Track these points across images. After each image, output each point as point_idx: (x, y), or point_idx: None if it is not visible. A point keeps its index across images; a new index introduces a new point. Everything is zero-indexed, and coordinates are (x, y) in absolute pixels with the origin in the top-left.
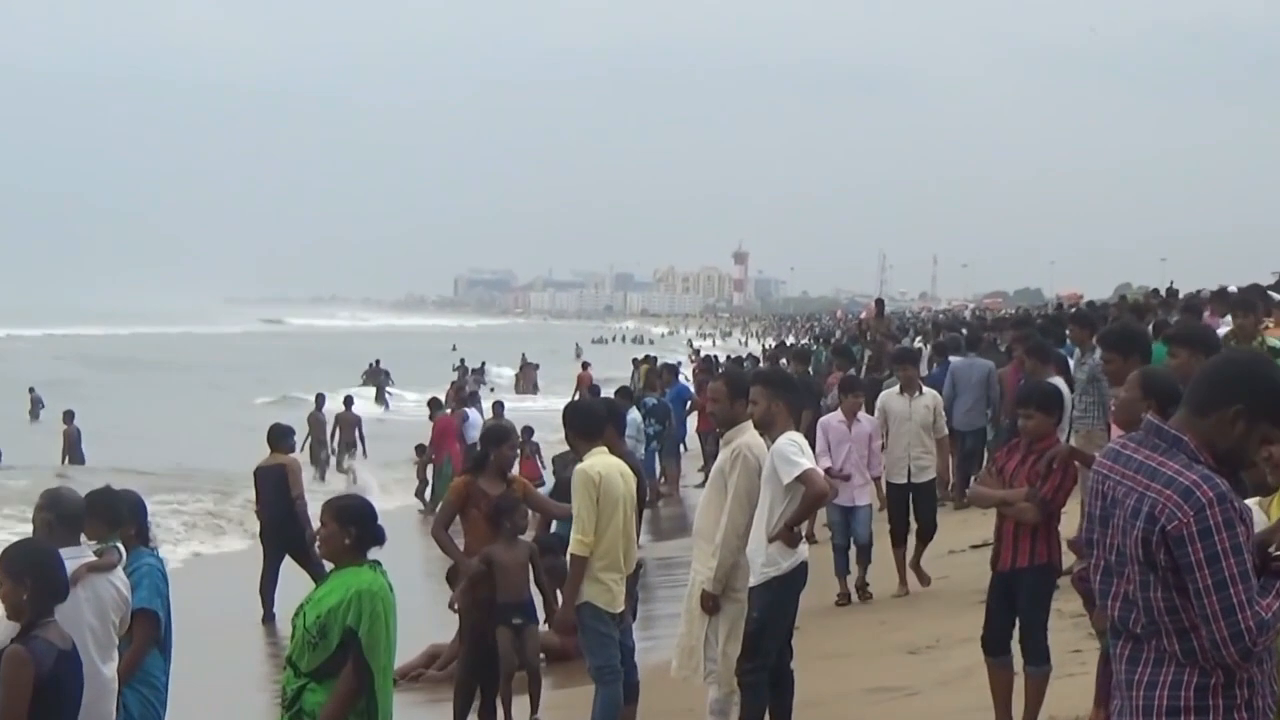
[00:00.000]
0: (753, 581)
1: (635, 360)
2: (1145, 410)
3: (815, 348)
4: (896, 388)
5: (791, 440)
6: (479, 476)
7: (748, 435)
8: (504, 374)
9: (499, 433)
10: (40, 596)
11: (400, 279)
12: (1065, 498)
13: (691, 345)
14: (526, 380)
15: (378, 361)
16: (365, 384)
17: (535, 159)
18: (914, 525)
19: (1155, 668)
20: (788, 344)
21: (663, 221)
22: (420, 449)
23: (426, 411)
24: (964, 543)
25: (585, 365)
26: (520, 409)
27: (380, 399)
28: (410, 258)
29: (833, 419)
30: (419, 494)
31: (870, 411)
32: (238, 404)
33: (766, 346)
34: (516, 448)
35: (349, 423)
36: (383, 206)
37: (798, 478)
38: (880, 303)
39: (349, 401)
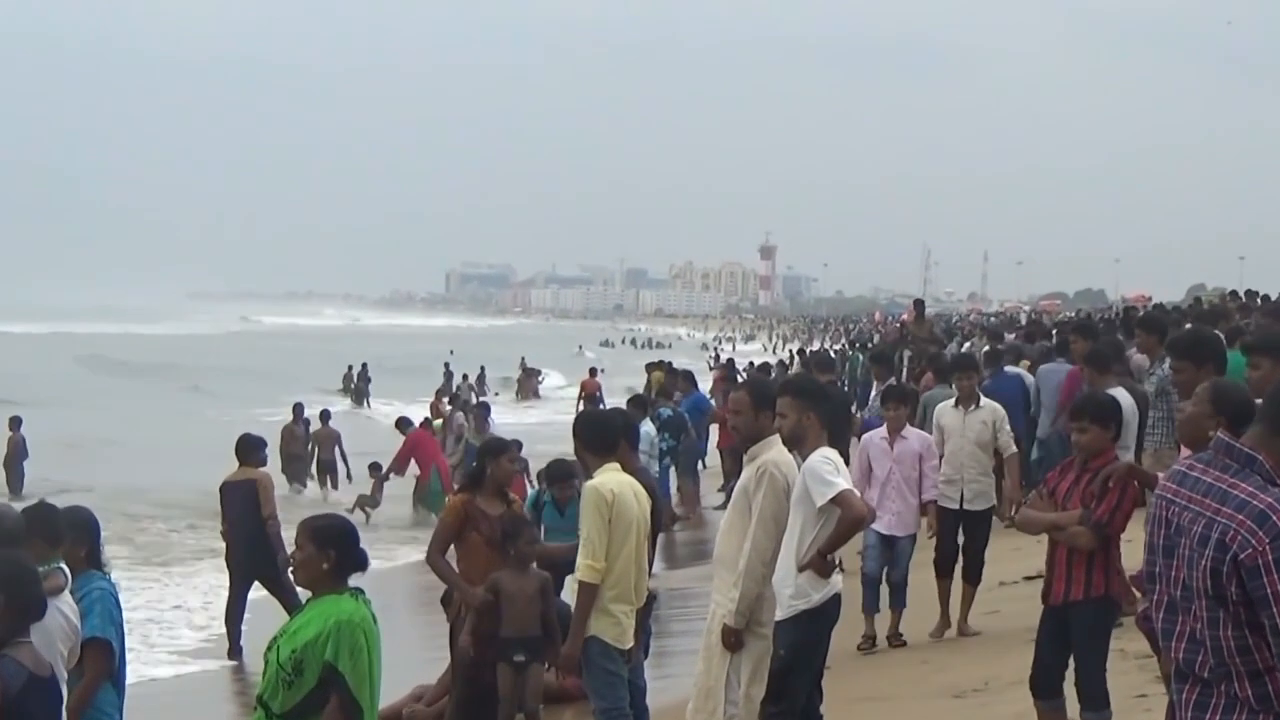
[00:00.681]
0: (780, 615)
1: (648, 366)
2: (1214, 428)
3: (851, 353)
4: (952, 400)
5: (825, 458)
6: (477, 495)
7: (774, 451)
8: (512, 380)
9: (497, 444)
10: (12, 613)
11: (385, 273)
12: (1124, 521)
13: (712, 349)
14: (527, 388)
15: (364, 367)
16: (343, 391)
17: (537, 142)
18: (961, 561)
19: (1225, 715)
20: (808, 351)
21: (680, 212)
22: (375, 467)
23: (411, 428)
24: (1016, 574)
25: (592, 371)
26: (513, 422)
27: (361, 404)
28: (396, 250)
29: (875, 435)
30: (361, 506)
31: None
32: (254, 413)
33: (793, 352)
34: (516, 460)
35: (327, 439)
36: (365, 193)
37: (833, 499)
38: (920, 304)
39: (325, 416)
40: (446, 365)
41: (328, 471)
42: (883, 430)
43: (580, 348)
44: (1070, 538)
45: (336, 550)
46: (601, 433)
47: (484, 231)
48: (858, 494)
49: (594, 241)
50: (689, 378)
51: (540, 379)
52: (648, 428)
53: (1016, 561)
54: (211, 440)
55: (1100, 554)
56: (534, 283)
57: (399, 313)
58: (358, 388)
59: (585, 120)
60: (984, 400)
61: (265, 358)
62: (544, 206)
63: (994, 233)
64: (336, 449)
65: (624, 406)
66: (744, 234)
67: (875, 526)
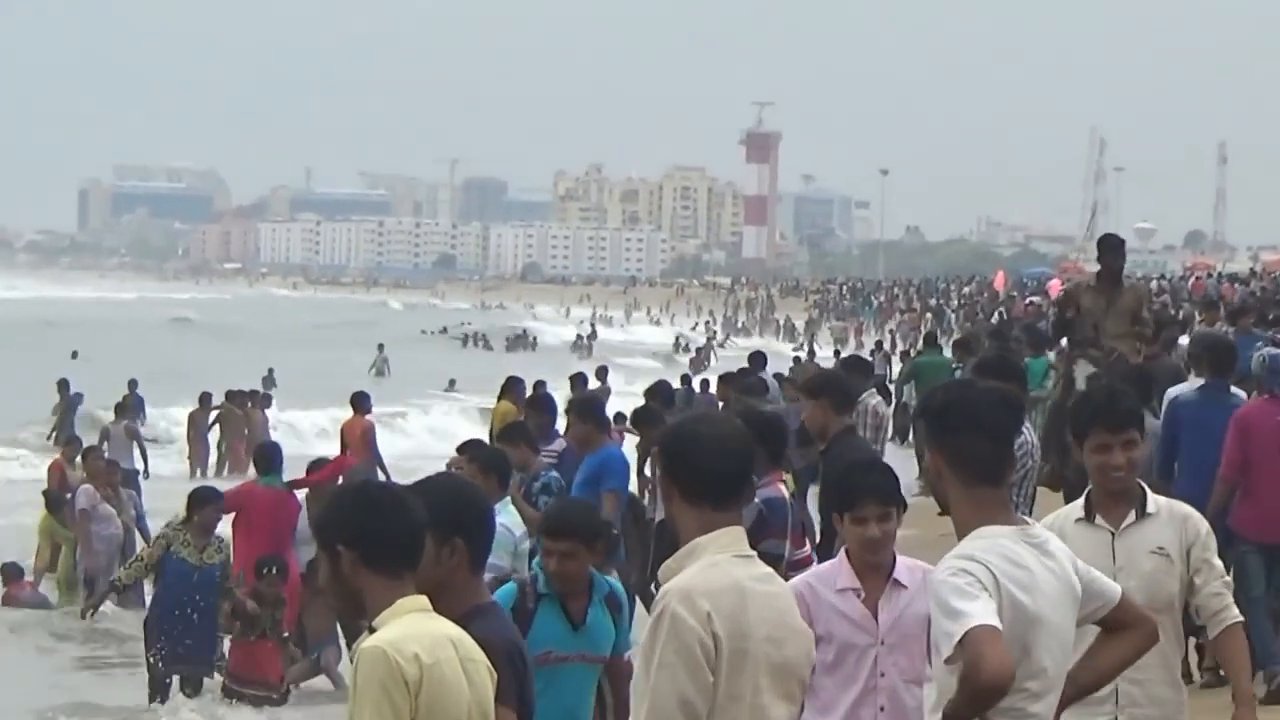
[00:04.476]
0: None
1: (510, 383)
2: None
3: (927, 358)
4: (1080, 504)
5: (964, 562)
6: None
7: (698, 567)
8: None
9: None
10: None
11: None
12: None
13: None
14: (219, 435)
15: None
16: None
17: None
18: None
19: None
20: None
21: (574, 69)
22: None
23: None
24: None
25: (358, 402)
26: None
27: None
28: None
29: (826, 576)
30: None
31: None
32: None
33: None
34: None
35: None
36: None
37: (960, 642)
38: (1111, 245)
39: None
40: (62, 386)
41: None
42: (842, 572)
43: (382, 355)
44: None
45: None
46: (386, 533)
47: (156, 108)
48: (996, 633)
49: (392, 128)
50: (590, 410)
51: (267, 408)
52: (508, 519)
53: None
54: None
55: None
56: (266, 209)
57: None
58: None
59: None
60: (1155, 501)
61: None
62: (286, 66)
63: (1230, 104)
64: None
65: (458, 468)
66: (713, 113)
67: None
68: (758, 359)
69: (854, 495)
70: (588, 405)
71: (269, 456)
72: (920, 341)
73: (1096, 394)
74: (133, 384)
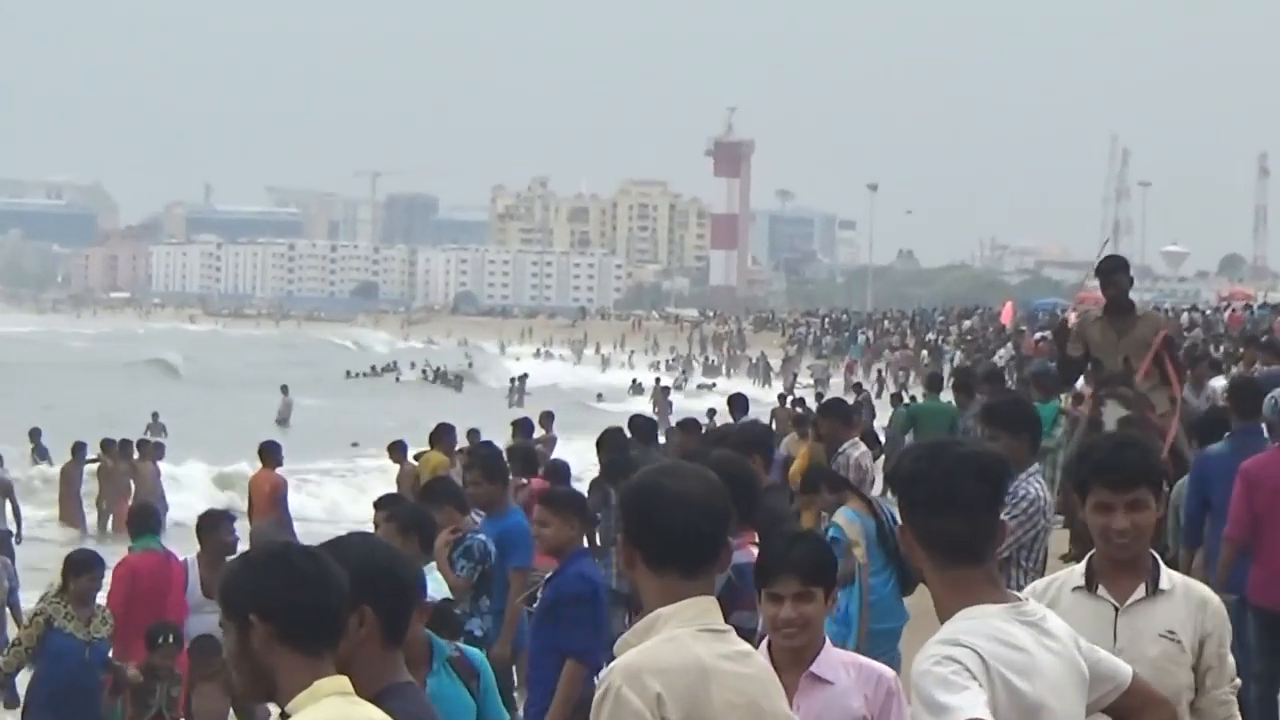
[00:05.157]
0: None
1: (441, 430)
2: None
3: (927, 404)
4: (1080, 569)
5: (948, 648)
6: None
7: (657, 643)
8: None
9: None
10: None
11: None
12: None
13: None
14: (97, 493)
15: None
16: None
17: None
18: None
19: None
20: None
21: (515, 69)
22: None
23: None
24: None
25: (268, 454)
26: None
27: None
28: None
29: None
30: None
31: None
32: None
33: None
34: None
35: None
36: None
37: None
38: (1112, 269)
39: None
40: None
41: None
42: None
43: (285, 396)
44: None
45: None
46: (308, 604)
47: (32, 115)
48: None
49: (305, 137)
50: (496, 467)
51: (159, 459)
52: (430, 584)
53: None
54: None
55: None
56: (158, 230)
57: None
58: None
59: None
60: (1170, 576)
61: None
62: (182, 68)
63: (1270, 111)
64: None
65: (373, 529)
66: (675, 120)
67: None
68: (738, 402)
69: (770, 569)
70: (491, 461)
71: (146, 516)
72: (915, 383)
73: (1101, 443)
74: (34, 433)
